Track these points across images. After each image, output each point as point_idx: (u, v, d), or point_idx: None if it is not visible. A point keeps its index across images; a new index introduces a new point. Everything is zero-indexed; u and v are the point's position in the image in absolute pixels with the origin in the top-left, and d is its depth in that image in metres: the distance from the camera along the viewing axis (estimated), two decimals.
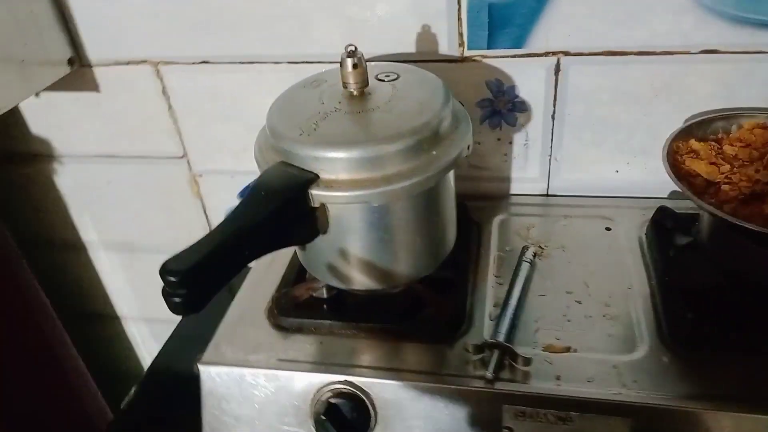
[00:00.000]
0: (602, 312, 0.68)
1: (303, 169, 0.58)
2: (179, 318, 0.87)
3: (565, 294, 0.71)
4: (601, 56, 0.74)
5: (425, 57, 0.78)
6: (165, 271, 0.49)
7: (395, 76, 0.67)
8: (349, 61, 0.61)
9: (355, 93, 0.63)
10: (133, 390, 0.81)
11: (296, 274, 0.76)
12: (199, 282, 0.50)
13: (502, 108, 0.81)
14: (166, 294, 0.49)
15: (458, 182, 0.87)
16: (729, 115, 0.73)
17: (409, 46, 0.78)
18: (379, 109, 0.61)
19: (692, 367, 0.60)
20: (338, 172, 0.57)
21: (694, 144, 0.71)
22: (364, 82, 0.63)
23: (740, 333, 0.61)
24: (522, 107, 0.81)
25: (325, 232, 0.61)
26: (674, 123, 0.76)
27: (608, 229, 0.80)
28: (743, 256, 0.61)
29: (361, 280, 0.66)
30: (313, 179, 0.57)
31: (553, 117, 0.81)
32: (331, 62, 0.74)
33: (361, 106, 0.62)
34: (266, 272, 0.78)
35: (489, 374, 0.60)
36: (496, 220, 0.83)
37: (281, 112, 0.64)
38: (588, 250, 0.77)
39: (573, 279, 0.72)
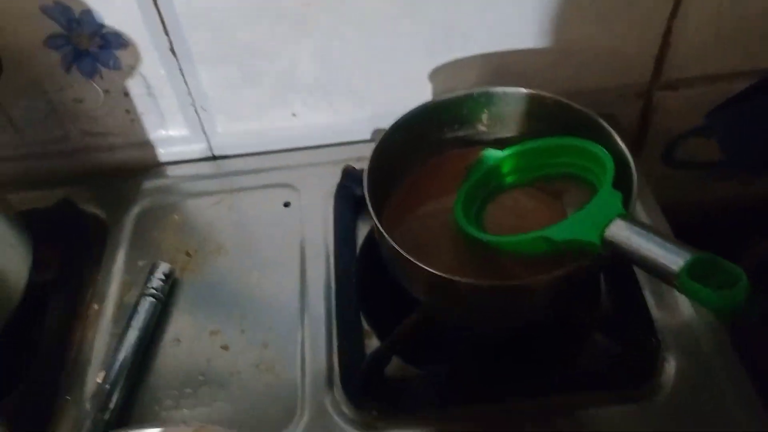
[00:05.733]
0: (256, 360, 0.46)
1: None
2: None
3: (209, 336, 0.48)
4: None
5: None
6: None
7: None
8: None
9: None
10: None
11: None
12: None
13: (87, 46, 0.51)
14: None
15: (71, 158, 0.59)
16: None
17: None
18: None
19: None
20: None
21: None
22: None
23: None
24: (119, 41, 0.51)
25: None
26: (353, 46, 0.52)
27: (287, 205, 0.56)
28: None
29: None
30: None
31: (172, 51, 0.52)
32: None
33: None
34: None
35: None
36: (132, 214, 0.56)
37: None
38: (256, 247, 0.53)
39: (225, 305, 0.49)
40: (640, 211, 0.50)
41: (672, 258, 0.31)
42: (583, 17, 0.51)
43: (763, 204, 0.66)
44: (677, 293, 0.43)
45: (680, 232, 0.48)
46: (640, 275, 0.45)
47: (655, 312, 0.43)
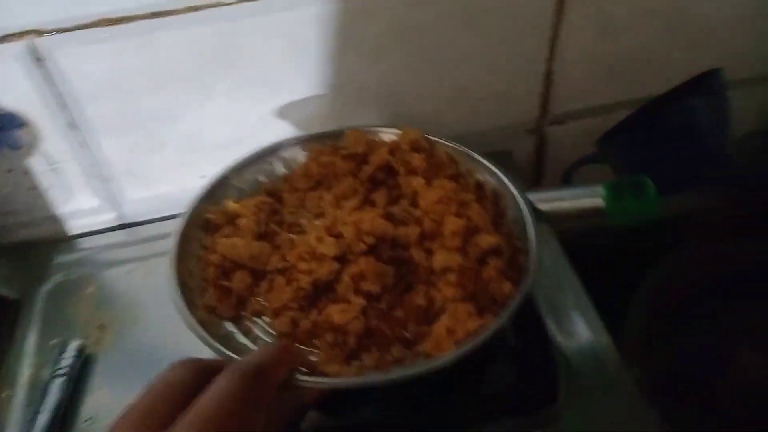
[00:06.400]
0: None
1: None
2: None
3: None
4: (94, 29, 0.47)
5: None
6: None
7: None
8: None
9: None
10: None
11: None
12: None
13: None
14: None
15: None
16: (292, 142, 0.50)
17: None
18: None
19: None
20: None
21: (231, 206, 0.46)
22: None
23: None
24: (16, 121, 0.51)
25: None
26: (255, 105, 0.53)
27: None
28: None
29: None
30: None
31: (73, 126, 0.52)
32: None
33: None
34: None
35: None
36: (44, 291, 0.55)
37: None
38: (174, 313, 0.53)
39: (145, 375, 0.47)
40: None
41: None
42: (470, 63, 0.54)
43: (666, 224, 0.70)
44: (576, 319, 0.46)
45: (585, 258, 0.51)
46: (541, 302, 0.47)
47: (556, 337, 0.46)
